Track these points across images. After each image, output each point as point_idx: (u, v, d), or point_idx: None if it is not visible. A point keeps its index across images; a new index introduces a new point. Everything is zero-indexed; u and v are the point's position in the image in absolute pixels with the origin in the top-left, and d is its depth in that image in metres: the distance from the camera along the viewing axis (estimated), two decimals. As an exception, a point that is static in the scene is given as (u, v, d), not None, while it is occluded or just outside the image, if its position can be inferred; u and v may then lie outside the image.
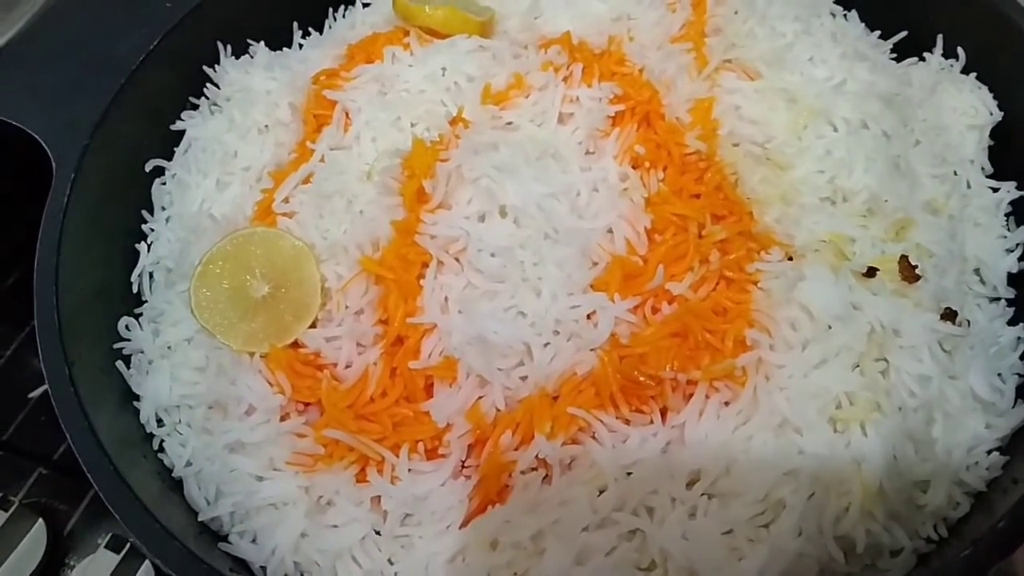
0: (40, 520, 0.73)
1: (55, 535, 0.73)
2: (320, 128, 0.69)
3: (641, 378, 0.53)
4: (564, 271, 0.57)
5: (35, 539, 0.72)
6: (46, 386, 0.57)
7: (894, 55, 0.76)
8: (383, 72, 0.69)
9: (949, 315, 0.58)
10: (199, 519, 0.58)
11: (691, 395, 0.54)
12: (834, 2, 0.78)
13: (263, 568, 0.56)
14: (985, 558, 0.46)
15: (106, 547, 0.73)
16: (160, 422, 0.63)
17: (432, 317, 0.57)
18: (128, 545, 0.73)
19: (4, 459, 0.77)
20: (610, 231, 0.59)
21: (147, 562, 0.70)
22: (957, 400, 0.56)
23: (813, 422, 0.52)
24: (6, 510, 0.71)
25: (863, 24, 0.78)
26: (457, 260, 0.59)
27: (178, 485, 0.61)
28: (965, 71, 0.74)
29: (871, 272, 0.58)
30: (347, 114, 0.68)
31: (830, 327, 0.54)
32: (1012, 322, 0.64)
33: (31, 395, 0.80)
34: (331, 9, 0.85)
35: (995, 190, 0.69)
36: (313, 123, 0.69)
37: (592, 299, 0.56)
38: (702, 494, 0.52)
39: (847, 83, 0.65)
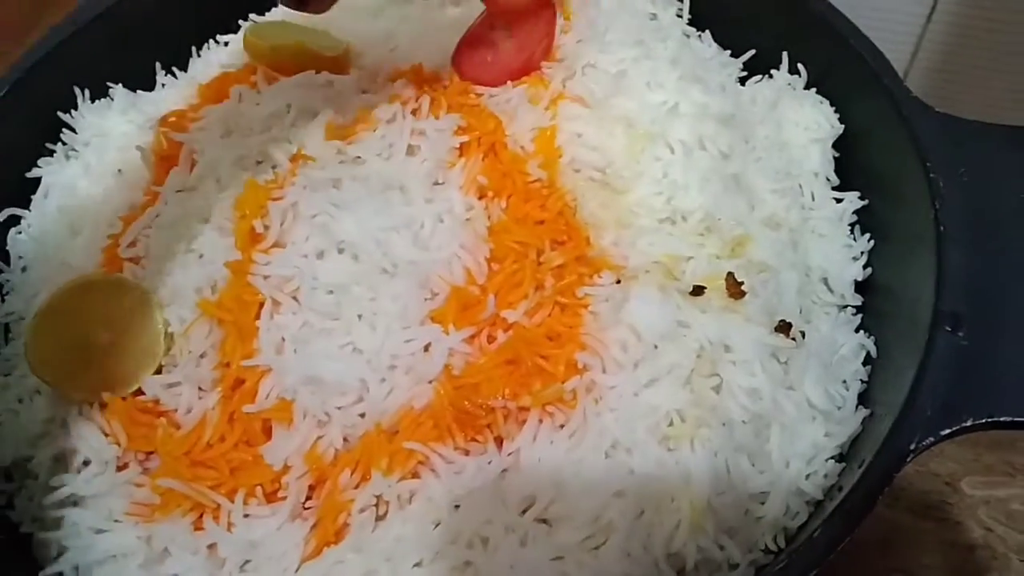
0: None
1: None
2: (168, 170, 0.68)
3: (470, 408, 0.53)
4: (399, 304, 0.57)
5: None
6: None
7: (745, 73, 0.79)
8: (228, 112, 0.69)
9: (783, 327, 0.60)
10: (39, 576, 0.56)
11: (525, 421, 0.54)
12: (688, 23, 0.81)
13: (105, 624, 0.54)
14: (800, 567, 0.47)
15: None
16: (9, 477, 0.61)
17: (267, 358, 0.56)
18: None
19: None
20: (451, 262, 0.60)
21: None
22: (793, 410, 0.57)
23: (643, 441, 0.53)
24: None
25: (716, 45, 0.81)
26: (295, 299, 0.58)
27: (25, 540, 0.59)
28: (807, 87, 0.76)
29: (698, 290, 0.59)
30: (193, 155, 0.68)
31: (656, 347, 0.55)
32: (860, 328, 0.66)
33: None
34: (195, 48, 0.85)
35: (839, 201, 0.72)
36: (161, 166, 0.69)
37: (426, 332, 0.56)
38: (535, 519, 0.52)
39: (680, 106, 0.66)
